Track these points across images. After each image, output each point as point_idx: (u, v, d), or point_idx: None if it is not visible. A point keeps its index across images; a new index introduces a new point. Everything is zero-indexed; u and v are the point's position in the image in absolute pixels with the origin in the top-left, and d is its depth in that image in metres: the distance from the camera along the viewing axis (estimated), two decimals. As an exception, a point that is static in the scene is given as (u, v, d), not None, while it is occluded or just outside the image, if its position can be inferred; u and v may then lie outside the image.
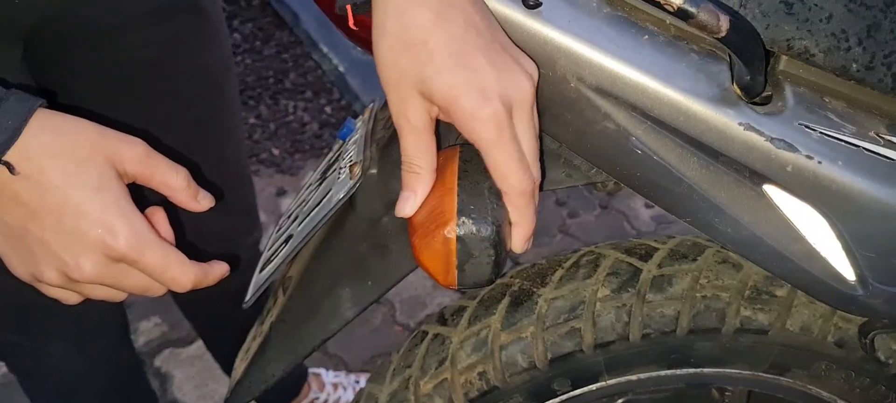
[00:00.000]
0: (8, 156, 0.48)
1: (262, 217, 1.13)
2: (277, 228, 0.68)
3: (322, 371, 1.45)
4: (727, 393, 0.79)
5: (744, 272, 0.68)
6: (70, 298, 0.55)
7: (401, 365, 0.72)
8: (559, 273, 0.70)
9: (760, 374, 0.71)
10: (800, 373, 0.71)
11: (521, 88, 0.48)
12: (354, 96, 2.27)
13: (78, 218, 0.49)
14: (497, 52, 0.48)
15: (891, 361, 0.68)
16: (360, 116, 0.69)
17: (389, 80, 0.48)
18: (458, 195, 0.49)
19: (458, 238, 0.48)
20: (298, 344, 0.63)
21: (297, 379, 1.38)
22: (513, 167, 0.48)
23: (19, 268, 0.53)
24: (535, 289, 0.69)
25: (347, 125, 0.69)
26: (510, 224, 0.50)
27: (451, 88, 0.46)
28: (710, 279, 0.67)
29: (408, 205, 0.51)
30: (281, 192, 1.97)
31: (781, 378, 0.71)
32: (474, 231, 0.48)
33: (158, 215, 0.55)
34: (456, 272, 0.49)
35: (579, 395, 0.71)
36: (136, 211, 0.52)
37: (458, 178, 0.49)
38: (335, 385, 1.43)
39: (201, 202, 0.57)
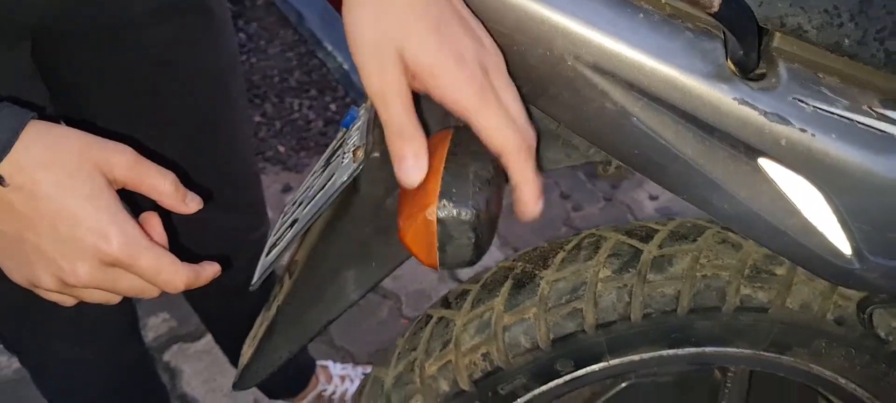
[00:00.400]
0: (0, 169, 0.50)
1: (269, 214, 1.15)
2: (283, 214, 0.69)
3: (329, 363, 1.47)
4: (729, 374, 0.80)
5: (743, 251, 0.69)
6: (66, 301, 0.57)
7: (406, 349, 0.73)
8: (561, 255, 0.70)
9: (761, 353, 0.72)
10: (800, 352, 0.71)
11: (494, 52, 0.49)
12: (359, 93, 2.28)
13: (73, 226, 0.51)
14: (467, 20, 0.49)
15: (890, 338, 0.68)
16: (363, 104, 0.70)
17: (366, 50, 0.48)
18: (442, 178, 0.50)
19: (439, 220, 0.50)
20: (304, 327, 0.64)
21: (305, 372, 1.39)
22: (502, 125, 0.49)
23: (16, 274, 0.55)
24: (537, 271, 0.70)
25: (351, 113, 0.70)
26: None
27: (431, 55, 0.47)
28: (709, 258, 0.68)
29: (414, 173, 0.50)
30: (287, 189, 1.98)
31: (782, 357, 0.72)
32: (455, 213, 0.49)
33: (153, 220, 0.57)
34: (437, 253, 0.51)
35: (582, 376, 0.72)
36: (128, 216, 0.54)
37: (446, 162, 0.50)
38: (342, 377, 1.44)
39: (189, 205, 0.58)
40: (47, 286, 0.54)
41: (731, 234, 0.70)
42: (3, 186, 0.51)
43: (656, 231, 0.71)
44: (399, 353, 0.74)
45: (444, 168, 0.50)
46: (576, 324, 0.68)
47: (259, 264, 0.63)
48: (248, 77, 2.34)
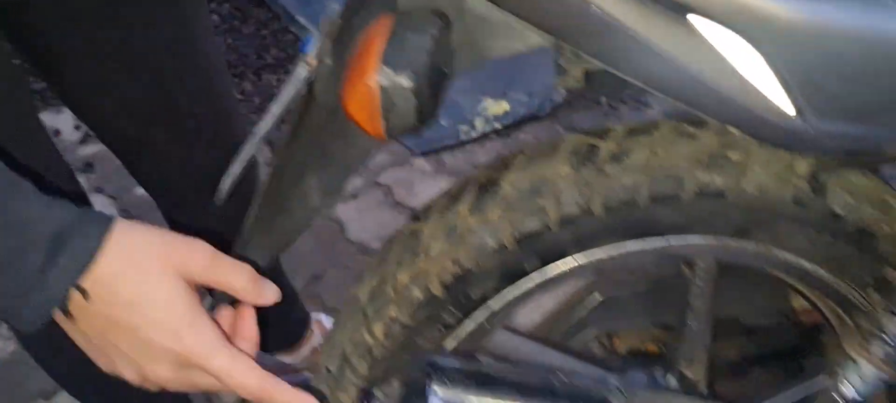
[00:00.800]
0: (82, 281, 0.52)
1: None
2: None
3: (323, 316, 1.49)
4: (698, 268, 0.81)
5: (699, 140, 0.70)
6: (149, 387, 0.60)
7: (378, 265, 0.75)
8: (521, 159, 0.72)
9: (725, 240, 0.73)
10: (762, 236, 0.73)
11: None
12: (336, 64, 2.29)
13: (150, 332, 0.54)
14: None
15: (847, 214, 0.70)
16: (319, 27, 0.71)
17: None
18: (383, 49, 0.51)
19: (381, 87, 0.51)
20: (273, 239, 0.65)
21: (300, 325, 1.41)
22: None
23: (101, 364, 0.59)
24: (498, 176, 0.71)
25: (308, 38, 0.72)
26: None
27: None
28: (666, 148, 0.69)
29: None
30: (269, 162, 1.99)
31: (746, 244, 0.74)
32: (395, 79, 0.51)
33: (246, 313, 0.61)
34: (381, 120, 0.52)
35: (552, 277, 0.73)
36: (204, 318, 0.57)
37: (388, 36, 0.52)
38: (334, 332, 1.46)
39: (267, 297, 0.61)
40: (129, 379, 0.58)
41: (686, 126, 0.72)
42: (86, 300, 0.53)
43: (613, 130, 0.73)
44: (372, 270, 0.75)
45: (386, 40, 0.51)
46: (540, 222, 0.69)
47: (223, 178, 0.65)
48: (225, 57, 2.34)
